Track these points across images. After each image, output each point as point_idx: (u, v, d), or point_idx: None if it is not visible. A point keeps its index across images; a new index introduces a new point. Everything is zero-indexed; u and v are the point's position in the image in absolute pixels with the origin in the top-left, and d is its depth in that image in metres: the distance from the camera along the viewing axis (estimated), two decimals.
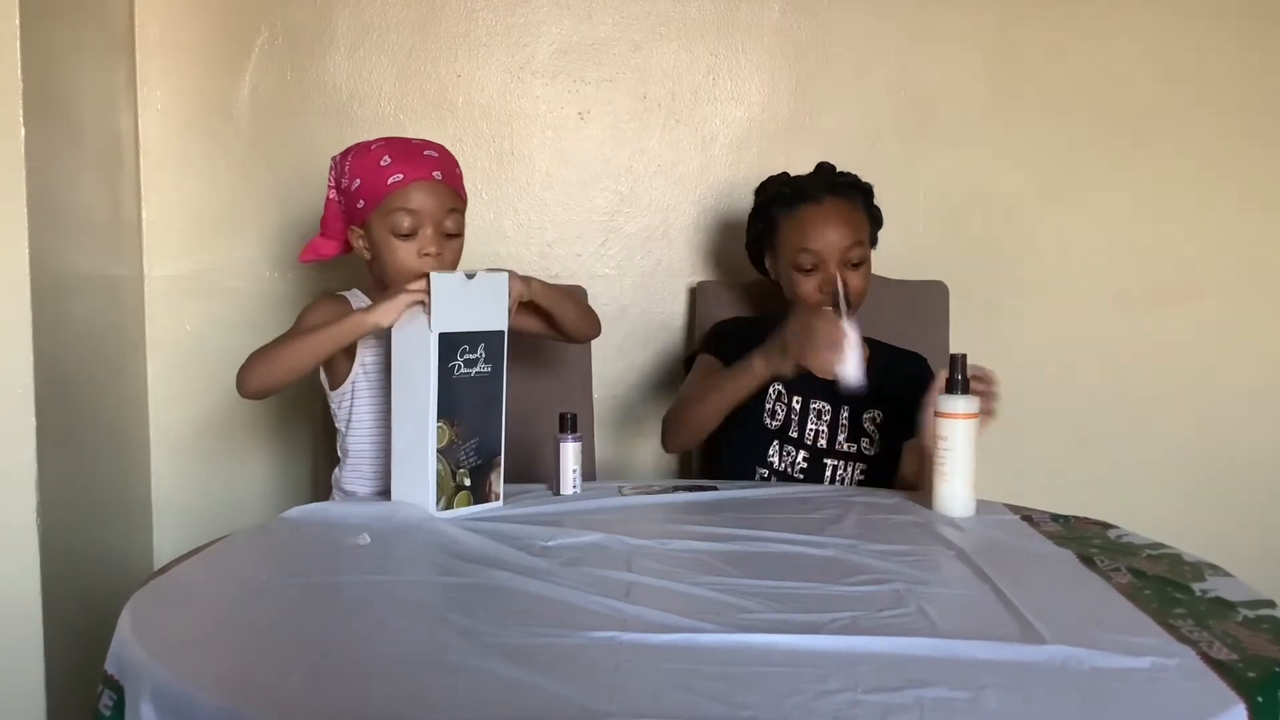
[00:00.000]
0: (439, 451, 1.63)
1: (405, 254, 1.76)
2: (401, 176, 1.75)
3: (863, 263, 1.98)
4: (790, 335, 1.78)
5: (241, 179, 2.38)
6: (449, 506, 1.65)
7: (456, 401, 1.63)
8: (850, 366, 1.75)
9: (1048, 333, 2.57)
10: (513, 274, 1.74)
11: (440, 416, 1.62)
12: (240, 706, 1.03)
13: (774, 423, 2.01)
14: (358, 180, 1.78)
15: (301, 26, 2.37)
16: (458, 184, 1.83)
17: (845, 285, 1.93)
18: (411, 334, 1.63)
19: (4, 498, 1.86)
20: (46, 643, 1.89)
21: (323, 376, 1.89)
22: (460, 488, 1.66)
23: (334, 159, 1.83)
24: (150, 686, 1.09)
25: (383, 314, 1.65)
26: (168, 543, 2.37)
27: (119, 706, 1.15)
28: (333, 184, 1.83)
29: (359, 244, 1.83)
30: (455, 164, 1.84)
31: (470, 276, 1.64)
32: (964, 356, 1.72)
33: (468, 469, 1.66)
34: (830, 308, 1.89)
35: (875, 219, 2.06)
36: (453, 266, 1.79)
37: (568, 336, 1.95)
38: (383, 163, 1.76)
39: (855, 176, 2.05)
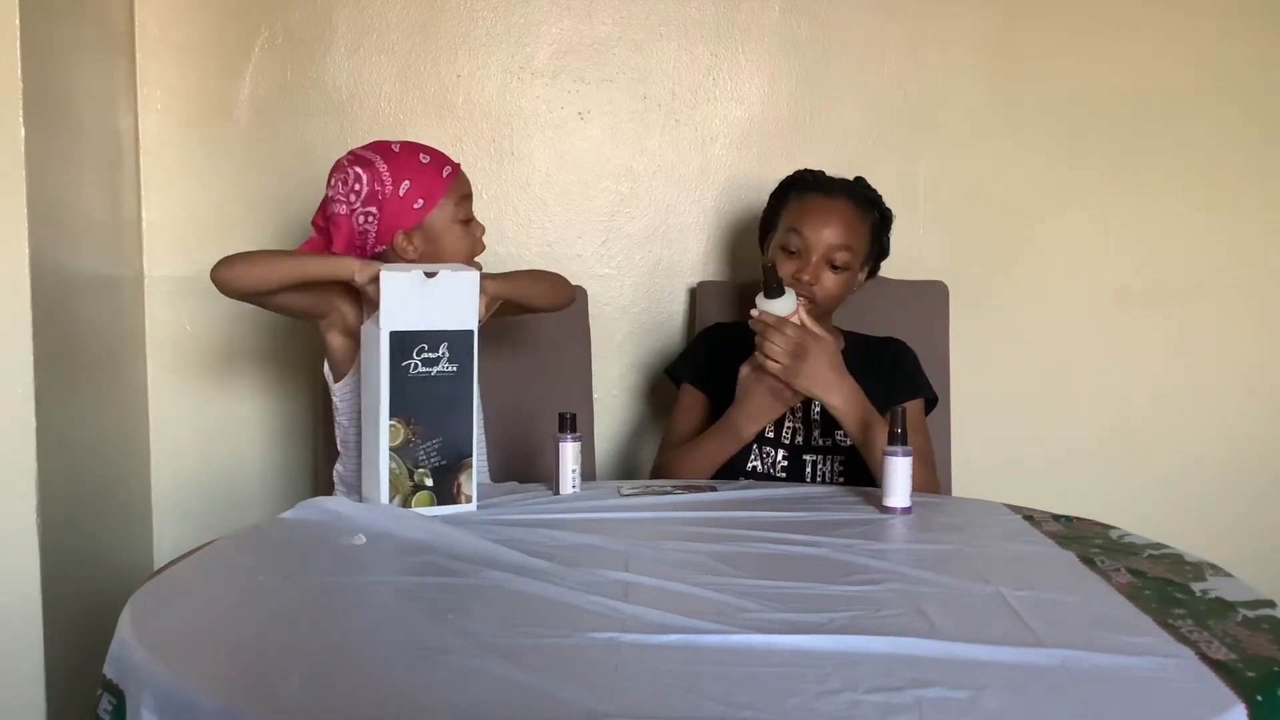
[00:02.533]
0: (394, 450, 1.63)
1: (467, 239, 1.86)
2: (450, 168, 1.85)
3: (845, 269, 1.99)
4: (765, 391, 1.89)
5: (241, 179, 2.38)
6: (405, 505, 1.64)
7: (412, 401, 1.63)
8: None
9: (1048, 332, 2.57)
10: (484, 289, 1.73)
11: (394, 415, 1.62)
12: (240, 708, 1.03)
13: None
14: (406, 182, 1.79)
15: (301, 26, 2.37)
16: None
17: (814, 283, 1.98)
18: (371, 332, 1.64)
19: (4, 498, 1.86)
20: (46, 643, 1.89)
21: (327, 370, 1.89)
22: (420, 487, 1.65)
23: (347, 175, 1.80)
24: (151, 690, 1.09)
25: (360, 269, 1.68)
26: (167, 543, 2.37)
27: (119, 711, 1.15)
28: (351, 199, 1.79)
29: (406, 246, 1.82)
30: None
31: (430, 275, 1.63)
32: (773, 265, 1.92)
33: (428, 469, 1.65)
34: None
35: (879, 245, 2.06)
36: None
37: (541, 311, 1.98)
38: (423, 159, 1.83)
39: (881, 199, 2.07)
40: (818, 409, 2.01)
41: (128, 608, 1.26)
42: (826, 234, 1.97)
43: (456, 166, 1.87)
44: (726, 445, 1.96)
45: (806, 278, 1.96)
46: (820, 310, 2.00)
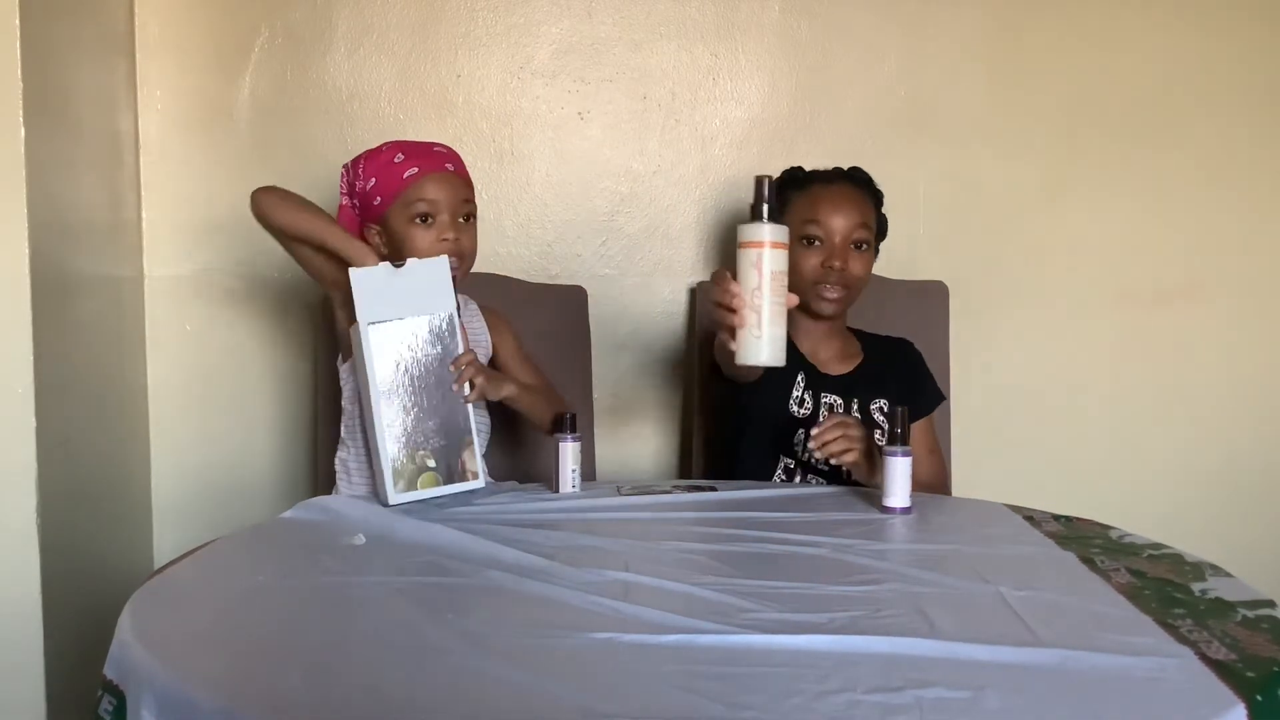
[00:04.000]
0: (393, 436, 1.69)
1: (424, 241, 1.84)
2: (416, 169, 1.85)
3: (866, 248, 2.01)
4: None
5: (241, 179, 2.36)
6: (410, 488, 1.70)
7: (404, 387, 1.70)
8: (748, 340, 1.53)
9: (1048, 332, 2.57)
10: (490, 374, 1.81)
11: (387, 403, 1.69)
12: (240, 708, 1.03)
13: (802, 411, 2.00)
14: (373, 179, 1.87)
15: (301, 26, 2.37)
16: (468, 177, 1.94)
17: (844, 268, 1.97)
18: (355, 329, 1.71)
19: (4, 498, 1.86)
20: (46, 643, 1.89)
21: (341, 365, 1.90)
22: (422, 469, 1.71)
23: (344, 167, 1.91)
24: (151, 690, 1.09)
25: (359, 252, 1.75)
26: (168, 543, 2.37)
27: (119, 711, 1.15)
28: (344, 190, 1.91)
29: (376, 240, 1.89)
30: (461, 160, 1.94)
31: (398, 266, 1.71)
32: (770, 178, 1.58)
33: (429, 450, 1.71)
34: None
35: (882, 222, 2.09)
36: (470, 250, 1.89)
37: (533, 425, 1.98)
38: (396, 159, 1.87)
39: (864, 174, 2.09)
40: (855, 406, 2.02)
41: (128, 608, 1.26)
42: (848, 216, 1.99)
43: (426, 169, 1.85)
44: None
45: (837, 264, 1.98)
46: (852, 297, 2.02)
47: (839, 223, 1.99)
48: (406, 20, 2.39)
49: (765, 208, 1.56)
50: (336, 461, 1.94)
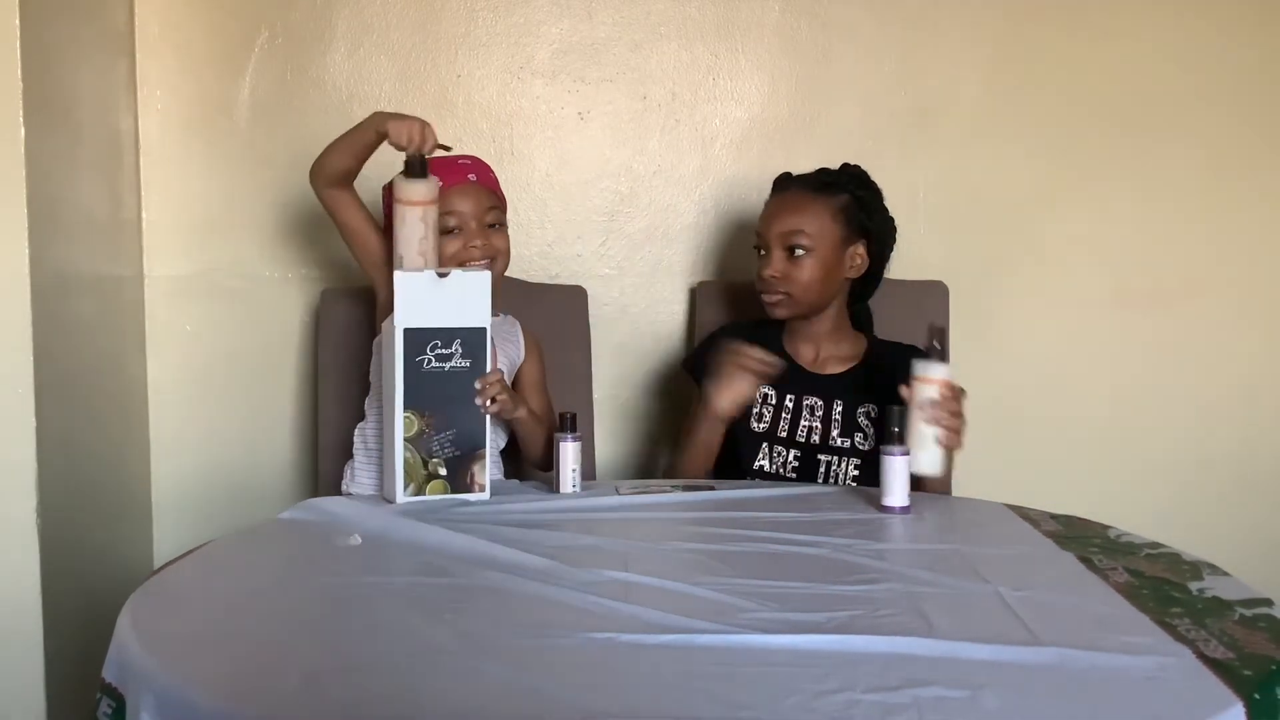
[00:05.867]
0: (408, 440, 1.71)
1: (453, 250, 1.90)
2: (440, 184, 1.89)
3: (807, 253, 1.98)
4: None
5: (241, 179, 2.38)
6: (419, 493, 1.72)
7: (426, 394, 1.72)
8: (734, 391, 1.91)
9: (1048, 332, 2.57)
10: (511, 394, 1.82)
11: (409, 407, 1.71)
12: (240, 708, 1.03)
13: (760, 425, 2.02)
14: None
15: (301, 26, 2.37)
16: (493, 186, 2.00)
17: (775, 275, 2.00)
18: (388, 329, 1.73)
19: (4, 498, 1.86)
20: (46, 643, 1.89)
21: (376, 341, 1.93)
22: (433, 476, 1.72)
23: (384, 188, 1.94)
24: (151, 691, 1.10)
25: (384, 119, 1.79)
26: (168, 543, 2.37)
27: (118, 714, 1.15)
28: (386, 210, 1.94)
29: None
30: (489, 170, 2.01)
31: (443, 275, 1.73)
32: (943, 329, 1.83)
33: (442, 459, 1.73)
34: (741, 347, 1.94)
35: (856, 222, 2.03)
36: (502, 248, 1.96)
37: (525, 452, 2.00)
38: None
39: (840, 177, 2.06)
40: (839, 409, 2.01)
41: (126, 609, 1.27)
42: (777, 224, 2.01)
43: (449, 183, 1.90)
44: (705, 422, 1.97)
45: (766, 273, 2.01)
46: (807, 306, 2.01)
47: (771, 232, 2.01)
48: (406, 20, 2.39)
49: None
50: (356, 431, 1.97)
